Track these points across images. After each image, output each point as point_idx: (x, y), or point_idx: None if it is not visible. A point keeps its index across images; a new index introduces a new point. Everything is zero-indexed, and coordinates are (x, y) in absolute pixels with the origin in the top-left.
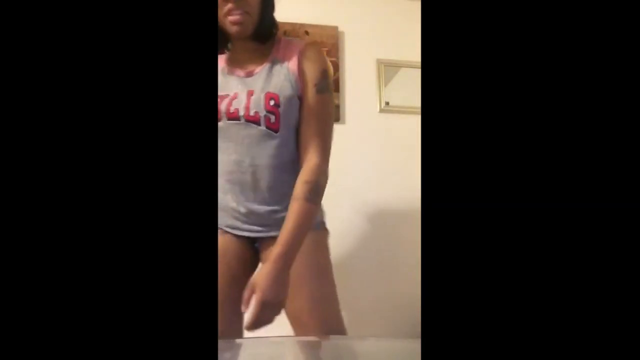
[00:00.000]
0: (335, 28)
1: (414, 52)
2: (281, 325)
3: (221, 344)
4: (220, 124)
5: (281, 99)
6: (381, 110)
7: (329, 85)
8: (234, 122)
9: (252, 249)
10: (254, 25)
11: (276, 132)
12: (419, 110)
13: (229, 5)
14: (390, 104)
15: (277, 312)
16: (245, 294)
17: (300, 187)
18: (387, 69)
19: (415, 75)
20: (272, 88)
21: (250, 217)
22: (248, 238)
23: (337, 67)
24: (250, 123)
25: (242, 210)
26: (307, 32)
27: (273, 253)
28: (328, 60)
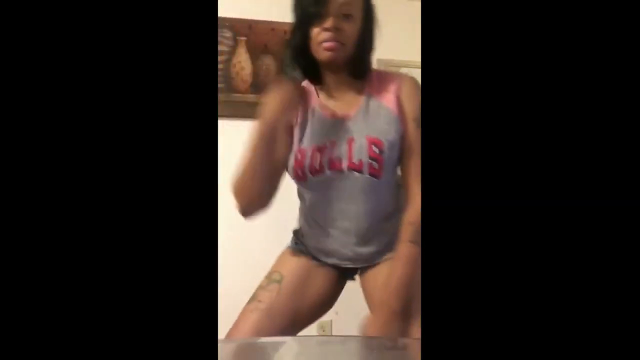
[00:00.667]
0: None
1: (414, 52)
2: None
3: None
4: (321, 177)
5: (385, 145)
6: None
7: None
8: (337, 172)
9: (340, 280)
10: (347, 57)
11: (378, 178)
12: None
13: (325, 35)
14: None
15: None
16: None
17: (406, 229)
18: (387, 69)
19: (415, 75)
20: (374, 132)
21: (356, 259)
22: (339, 269)
23: None
24: (352, 171)
25: (349, 254)
26: None
27: (381, 305)
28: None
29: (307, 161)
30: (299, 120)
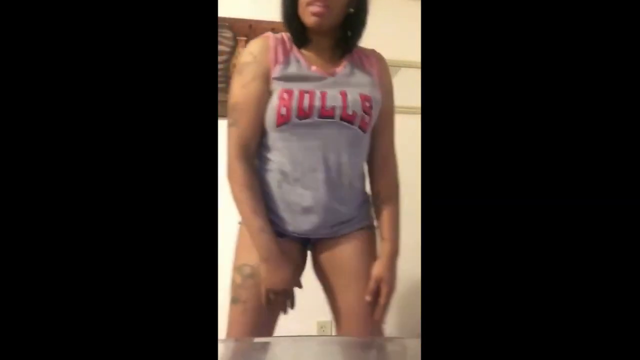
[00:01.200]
0: None
1: (414, 52)
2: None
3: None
4: (309, 120)
5: (373, 102)
6: None
7: (391, 91)
8: (327, 119)
9: (303, 250)
10: (333, 24)
11: (365, 132)
12: (419, 110)
13: None
14: None
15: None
16: (372, 284)
17: (391, 190)
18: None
19: (415, 75)
20: (364, 90)
21: (325, 214)
22: (298, 240)
23: None
24: (344, 122)
25: (317, 208)
26: None
27: (387, 250)
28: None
29: (295, 102)
30: (280, 61)
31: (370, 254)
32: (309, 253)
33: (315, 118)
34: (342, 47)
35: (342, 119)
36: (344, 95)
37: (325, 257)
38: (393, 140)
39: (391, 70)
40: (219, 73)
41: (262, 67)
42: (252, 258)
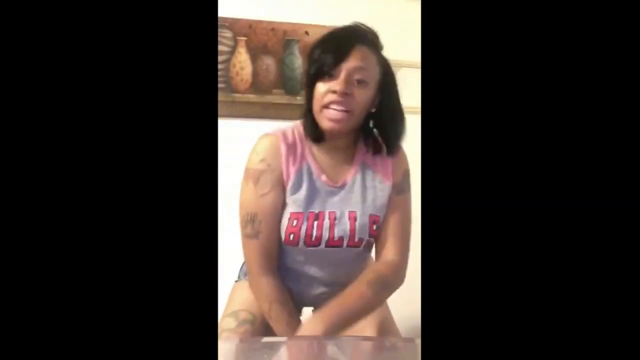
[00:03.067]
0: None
1: (414, 52)
2: None
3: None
4: (317, 249)
5: (381, 221)
6: None
7: (409, 185)
8: (335, 248)
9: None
10: (352, 127)
11: (369, 249)
12: (419, 110)
13: (331, 97)
14: None
15: None
16: None
17: (366, 273)
18: None
19: (415, 75)
20: (373, 208)
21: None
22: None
23: None
24: (351, 248)
25: (310, 297)
26: (307, 32)
27: (310, 325)
28: (407, 160)
29: (304, 231)
30: (290, 177)
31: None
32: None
33: (322, 247)
34: (388, 152)
35: (348, 246)
36: (352, 220)
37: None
38: (393, 233)
39: None
40: (219, 73)
41: (276, 175)
42: (254, 306)
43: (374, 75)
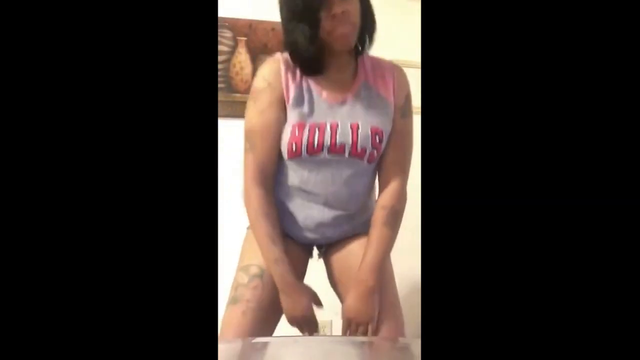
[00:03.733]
0: None
1: (414, 52)
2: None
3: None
4: (319, 157)
5: (384, 135)
6: None
7: (411, 109)
8: (337, 156)
9: (305, 257)
10: (355, 39)
11: (371, 164)
12: (419, 110)
13: (335, 21)
14: None
15: (367, 331)
16: (343, 326)
17: (379, 213)
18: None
19: (415, 75)
20: (376, 122)
21: (329, 229)
22: (301, 245)
23: None
24: (354, 158)
25: (324, 228)
26: None
27: (358, 283)
28: (409, 84)
29: (305, 138)
30: (291, 94)
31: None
32: (321, 261)
33: (325, 155)
34: (359, 52)
35: (351, 155)
36: (355, 129)
37: (334, 264)
38: (397, 159)
39: None
40: (219, 73)
41: (276, 93)
42: (261, 260)
43: None
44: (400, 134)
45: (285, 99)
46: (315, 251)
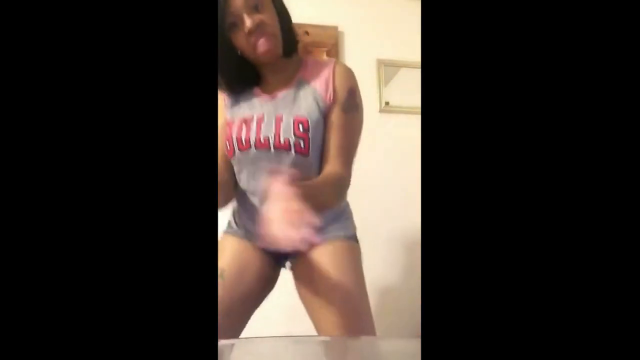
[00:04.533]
0: (335, 28)
1: (414, 52)
2: (279, 324)
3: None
4: (249, 154)
5: (310, 123)
6: (381, 110)
7: (356, 105)
8: (264, 151)
9: (275, 265)
10: (280, 44)
11: (306, 156)
12: (419, 110)
13: (252, 37)
14: (390, 104)
15: None
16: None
17: (322, 175)
18: (387, 69)
19: (415, 75)
20: (301, 111)
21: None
22: (272, 254)
23: None
24: (280, 150)
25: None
26: (307, 32)
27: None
28: (356, 79)
29: (235, 135)
30: (227, 99)
31: (350, 267)
32: (286, 272)
33: (252, 150)
34: (288, 53)
35: (275, 148)
36: (278, 121)
37: (300, 272)
38: (337, 146)
39: (391, 70)
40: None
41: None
42: (224, 259)
43: None
44: (341, 128)
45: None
46: (289, 264)
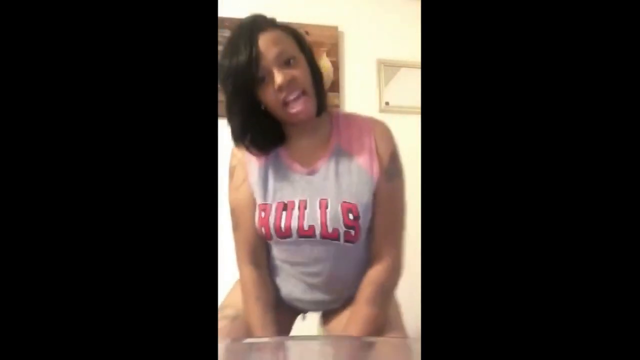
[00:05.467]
0: (335, 28)
1: (414, 52)
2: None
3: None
4: (289, 240)
5: (360, 209)
6: (381, 110)
7: (399, 169)
8: (308, 239)
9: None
10: (315, 103)
11: (355, 243)
12: (419, 110)
13: (284, 94)
14: (390, 104)
15: None
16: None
17: (365, 289)
18: (387, 69)
19: (415, 75)
20: (348, 195)
21: (312, 306)
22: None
23: (337, 67)
24: (327, 239)
25: (307, 300)
26: (307, 32)
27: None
28: (395, 139)
29: (272, 220)
30: (253, 170)
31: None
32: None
33: (295, 238)
34: (318, 113)
35: (322, 237)
36: (323, 208)
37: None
38: (388, 229)
39: (391, 70)
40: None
41: (246, 169)
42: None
43: (294, 47)
44: (388, 200)
45: (248, 175)
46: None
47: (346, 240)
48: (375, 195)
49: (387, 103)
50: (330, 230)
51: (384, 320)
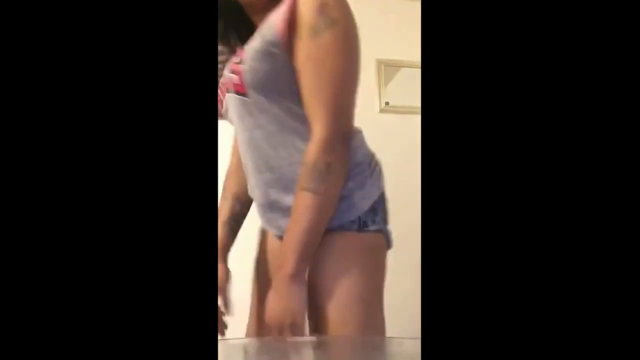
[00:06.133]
0: None
1: (414, 52)
2: None
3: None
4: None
5: (246, 54)
6: (381, 110)
7: (329, 22)
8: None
9: None
10: None
11: (245, 95)
12: (419, 110)
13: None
14: (390, 104)
15: (299, 332)
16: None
17: (301, 172)
18: (387, 69)
19: (415, 75)
20: (246, 47)
21: (274, 209)
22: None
23: None
24: (229, 93)
25: (263, 200)
26: None
27: (279, 271)
28: None
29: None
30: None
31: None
32: None
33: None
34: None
35: (228, 90)
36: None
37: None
38: (314, 93)
39: (391, 70)
40: (219, 73)
41: None
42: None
43: None
44: (312, 58)
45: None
46: None
47: (235, 91)
48: (295, 52)
49: (387, 103)
50: (224, 81)
51: (326, 207)
